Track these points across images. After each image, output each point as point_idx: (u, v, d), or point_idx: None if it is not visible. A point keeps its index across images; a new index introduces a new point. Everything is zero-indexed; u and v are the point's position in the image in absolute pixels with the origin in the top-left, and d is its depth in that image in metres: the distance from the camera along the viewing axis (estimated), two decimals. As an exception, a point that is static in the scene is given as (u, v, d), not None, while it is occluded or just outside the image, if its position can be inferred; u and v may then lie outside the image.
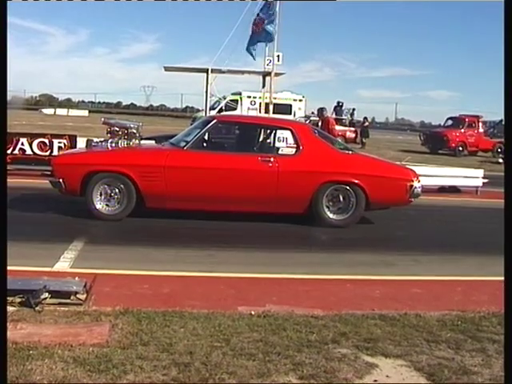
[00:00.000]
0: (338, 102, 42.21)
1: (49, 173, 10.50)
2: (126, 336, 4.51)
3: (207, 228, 9.30)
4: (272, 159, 9.54)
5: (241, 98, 32.99)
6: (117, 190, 9.27)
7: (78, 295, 5.31)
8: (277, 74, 18.34)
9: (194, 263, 7.11)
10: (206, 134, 9.99)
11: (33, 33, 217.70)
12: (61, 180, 9.31)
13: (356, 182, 9.62)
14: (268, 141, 10.68)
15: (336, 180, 9.68)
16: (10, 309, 5.01)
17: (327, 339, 4.72)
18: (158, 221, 9.45)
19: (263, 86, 19.23)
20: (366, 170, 9.89)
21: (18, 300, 5.14)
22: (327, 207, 9.66)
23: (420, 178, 10.29)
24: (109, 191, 9.29)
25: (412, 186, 9.85)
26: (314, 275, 6.84)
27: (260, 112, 21.79)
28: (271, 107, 18.44)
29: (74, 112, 75.01)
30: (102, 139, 10.54)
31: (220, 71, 17.94)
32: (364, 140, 36.09)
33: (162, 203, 9.39)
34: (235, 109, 31.54)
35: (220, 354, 4.27)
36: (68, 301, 5.25)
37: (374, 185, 9.70)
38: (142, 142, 10.51)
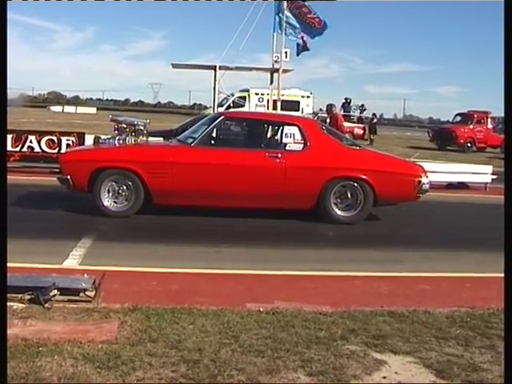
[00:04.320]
0: (346, 99, 42.22)
1: (57, 170, 10.52)
2: (135, 333, 4.52)
3: (215, 225, 9.31)
4: (279, 155, 9.54)
5: (249, 95, 33.03)
6: (124, 187, 9.29)
7: (86, 292, 5.32)
8: (284, 71, 18.33)
9: (202, 260, 7.11)
10: (214, 131, 9.99)
11: (40, 30, 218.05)
12: (68, 177, 9.34)
13: (364, 177, 9.61)
14: (275, 137, 10.67)
15: (343, 176, 9.66)
16: (19, 306, 5.04)
17: (336, 336, 4.71)
18: (166, 218, 9.47)
19: (271, 82, 19.22)
20: (373, 166, 9.87)
21: (28, 297, 5.16)
22: (335, 204, 9.66)
23: (428, 174, 10.26)
24: (116, 188, 9.32)
25: (420, 181, 9.83)
26: (322, 272, 6.84)
27: (268, 109, 21.76)
28: (279, 104, 18.44)
29: (82, 109, 75.06)
30: (110, 136, 10.57)
31: (228, 68, 17.95)
32: (372, 136, 36.02)
33: (169, 200, 9.41)
34: (243, 106, 31.58)
35: (229, 351, 4.27)
36: (77, 298, 5.26)
37: (382, 181, 9.68)
38: (150, 138, 10.54)
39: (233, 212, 9.55)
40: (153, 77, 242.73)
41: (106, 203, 9.30)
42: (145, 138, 10.18)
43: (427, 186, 9.96)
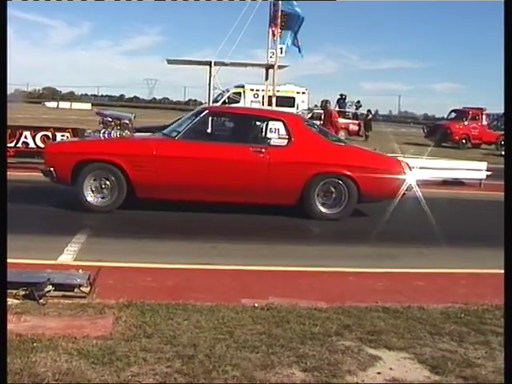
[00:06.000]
0: (341, 95, 42.16)
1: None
2: (130, 328, 4.52)
3: (210, 220, 9.32)
4: (263, 150, 9.54)
5: (244, 91, 32.96)
6: (107, 181, 9.27)
7: (81, 288, 5.32)
8: (280, 67, 18.31)
9: (197, 255, 7.11)
10: (198, 125, 9.91)
11: (35, 26, 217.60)
12: (52, 169, 9.35)
13: (348, 173, 9.60)
14: (260, 132, 10.60)
15: (327, 171, 9.66)
16: (13, 301, 5.03)
17: (331, 331, 4.72)
18: (161, 213, 9.45)
19: (266, 78, 19.20)
20: (358, 162, 9.88)
21: (22, 293, 5.15)
22: (319, 200, 9.65)
23: (423, 170, 10.28)
24: (99, 181, 9.28)
25: (405, 178, 9.83)
26: (317, 268, 6.83)
27: (263, 105, 21.73)
28: (274, 100, 18.41)
29: (76, 105, 74.97)
30: (96, 129, 10.57)
31: (223, 64, 17.92)
32: (367, 133, 36.03)
33: (152, 193, 9.38)
34: (238, 101, 31.51)
35: (223, 347, 4.27)
36: (72, 293, 5.26)
37: (366, 177, 9.68)
38: (136, 134, 10.54)
39: (225, 208, 9.54)
40: (148, 72, 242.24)
41: (88, 198, 9.27)
42: (129, 133, 10.16)
43: (412, 182, 9.95)
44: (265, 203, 9.70)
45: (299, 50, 18.36)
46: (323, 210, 9.69)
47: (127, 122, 10.14)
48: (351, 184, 9.62)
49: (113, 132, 9.90)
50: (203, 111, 10.21)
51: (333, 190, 9.70)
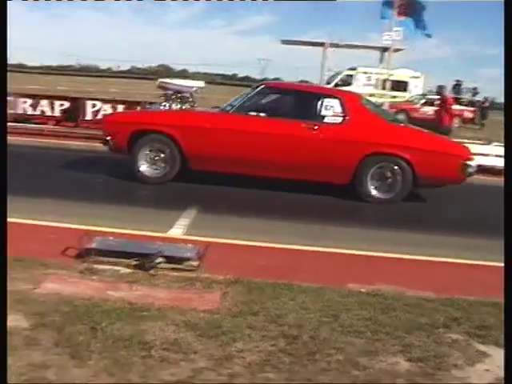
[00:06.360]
0: (457, 81, 41.04)
1: None
2: (236, 305, 4.58)
3: (318, 201, 9.35)
4: (316, 127, 9.37)
5: (356, 74, 32.60)
6: (161, 153, 9.42)
7: (190, 262, 5.44)
8: (396, 50, 17.96)
9: (306, 237, 7.10)
10: (253, 99, 9.81)
11: (150, 3, 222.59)
12: (109, 138, 9.59)
13: (403, 155, 9.25)
14: (314, 108, 10.34)
15: (382, 152, 9.33)
16: (126, 270, 5.23)
17: (438, 323, 4.60)
18: (268, 193, 9.52)
19: (381, 61, 18.90)
20: (414, 143, 9.48)
21: (134, 263, 5.33)
22: (371, 181, 9.37)
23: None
24: (153, 152, 9.44)
25: (465, 164, 9.43)
26: (424, 256, 6.66)
27: (376, 88, 21.42)
28: (388, 84, 18.10)
29: (189, 83, 76.27)
30: (158, 102, 10.75)
31: (337, 45, 17.78)
32: (482, 121, 34.79)
33: (204, 166, 9.47)
34: (350, 84, 31.18)
35: (328, 330, 4.25)
36: (181, 266, 5.38)
37: (423, 159, 9.29)
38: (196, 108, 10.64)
39: (327, 190, 9.50)
40: (259, 52, 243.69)
41: (142, 168, 9.45)
42: (189, 106, 10.23)
43: (473, 169, 9.54)
44: (315, 180, 9.57)
45: (425, 30, 17.76)
46: (375, 192, 9.41)
47: (187, 95, 10.25)
48: (406, 166, 9.28)
49: (173, 105, 10.03)
50: (259, 86, 10.17)
51: (386, 171, 9.37)
